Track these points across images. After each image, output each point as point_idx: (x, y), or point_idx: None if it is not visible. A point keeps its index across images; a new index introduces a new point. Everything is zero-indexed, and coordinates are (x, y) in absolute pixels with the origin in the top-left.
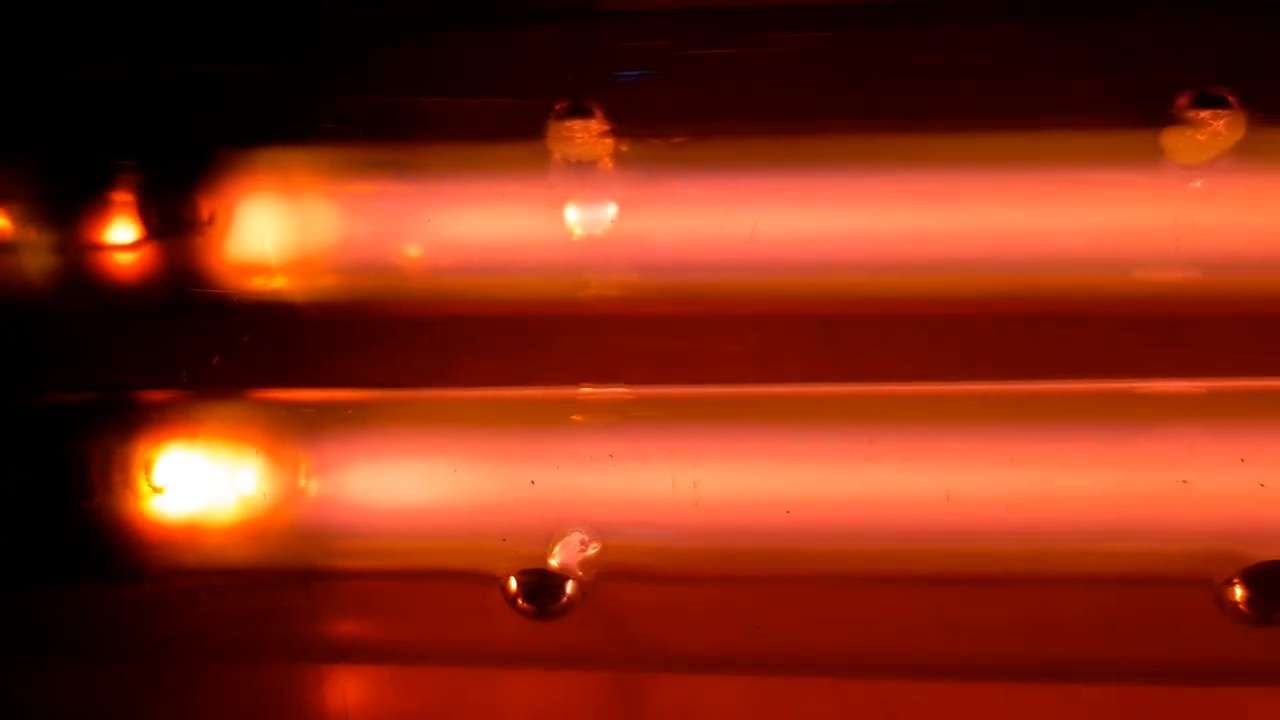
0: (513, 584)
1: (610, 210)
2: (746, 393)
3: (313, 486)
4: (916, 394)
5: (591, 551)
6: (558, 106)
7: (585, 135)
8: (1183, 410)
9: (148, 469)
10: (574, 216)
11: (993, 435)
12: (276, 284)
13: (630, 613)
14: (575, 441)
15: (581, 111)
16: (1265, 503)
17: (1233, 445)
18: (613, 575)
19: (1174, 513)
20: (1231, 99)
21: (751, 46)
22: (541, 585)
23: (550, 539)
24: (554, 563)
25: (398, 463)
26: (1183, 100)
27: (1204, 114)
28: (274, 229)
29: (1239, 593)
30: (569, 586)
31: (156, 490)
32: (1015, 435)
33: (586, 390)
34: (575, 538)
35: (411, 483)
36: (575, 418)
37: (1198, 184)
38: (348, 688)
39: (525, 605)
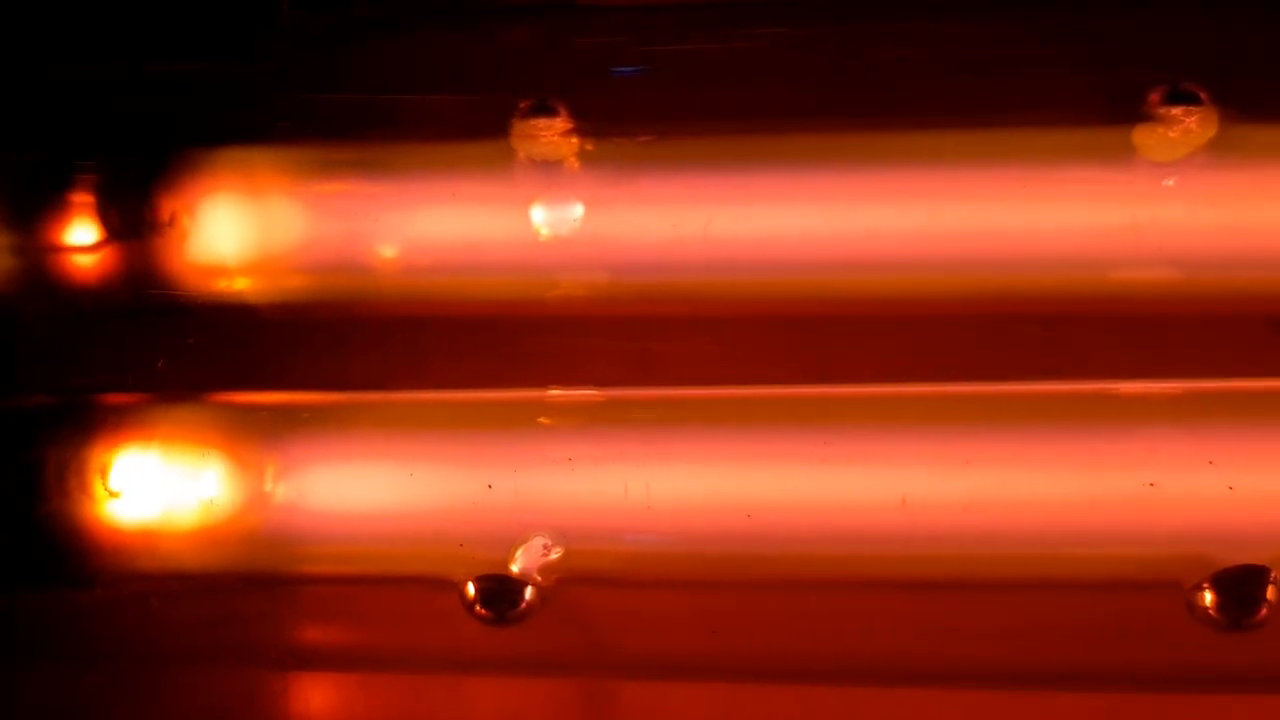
0: (470, 590)
1: (577, 210)
2: (711, 395)
3: (269, 491)
4: (874, 395)
5: (554, 556)
6: (522, 105)
7: (550, 134)
8: (1150, 412)
9: (104, 473)
10: (540, 216)
11: (950, 437)
12: (239, 285)
13: (592, 618)
14: (533, 445)
15: (546, 110)
16: (1234, 506)
17: (1201, 447)
18: (573, 580)
19: (1141, 516)
20: (1203, 95)
21: (717, 43)
22: (500, 591)
23: (507, 543)
24: (515, 568)
25: (355, 467)
26: (1154, 97)
27: (1175, 110)
28: (236, 230)
29: (1209, 598)
30: (528, 592)
31: (113, 494)
32: (972, 437)
33: (554, 392)
34: (538, 542)
35: (368, 487)
36: (541, 420)
37: (1170, 182)
38: (312, 693)
39: (483, 611)
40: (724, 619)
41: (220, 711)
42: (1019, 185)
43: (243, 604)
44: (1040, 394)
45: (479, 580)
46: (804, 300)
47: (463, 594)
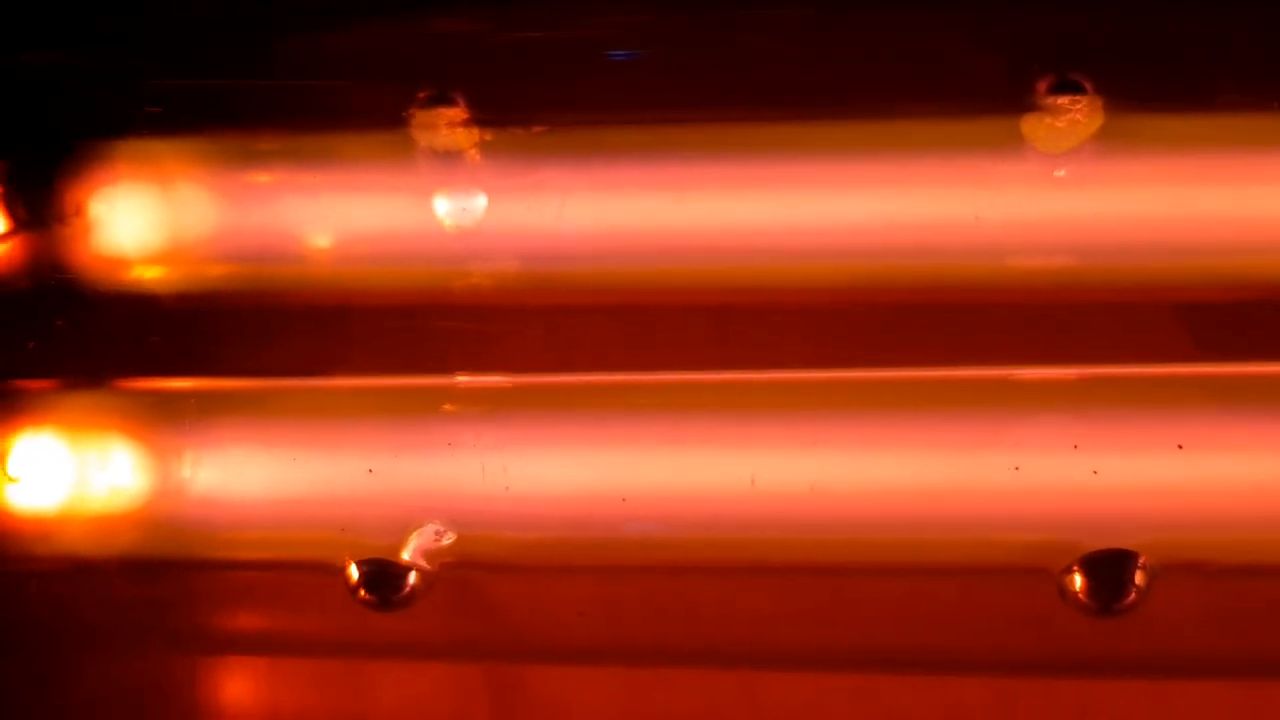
0: (353, 574)
1: (478, 200)
2: (618, 381)
3: (160, 478)
4: (737, 382)
5: (446, 542)
6: (421, 95)
7: (448, 124)
8: (1014, 396)
9: (3, 459)
10: (439, 206)
11: (797, 421)
12: (143, 275)
13: (483, 603)
14: (420, 431)
15: (444, 100)
16: (1099, 491)
17: (1066, 432)
18: (458, 566)
19: (1005, 501)
20: (1087, 85)
21: (610, 31)
22: (382, 575)
23: (390, 529)
24: (406, 554)
25: (243, 453)
26: (1041, 87)
27: (1063, 100)
28: (141, 220)
29: (1079, 582)
30: (411, 577)
31: (10, 480)
32: (819, 421)
33: (462, 379)
34: (430, 528)
35: (255, 474)
36: (446, 407)
37: (1061, 172)
38: (219, 679)
39: (367, 595)
40: (598, 603)
41: (124, 697)
42: (911, 175)
43: (144, 590)
44: (904, 379)
45: (362, 565)
46: (710, 289)
47: (346, 579)
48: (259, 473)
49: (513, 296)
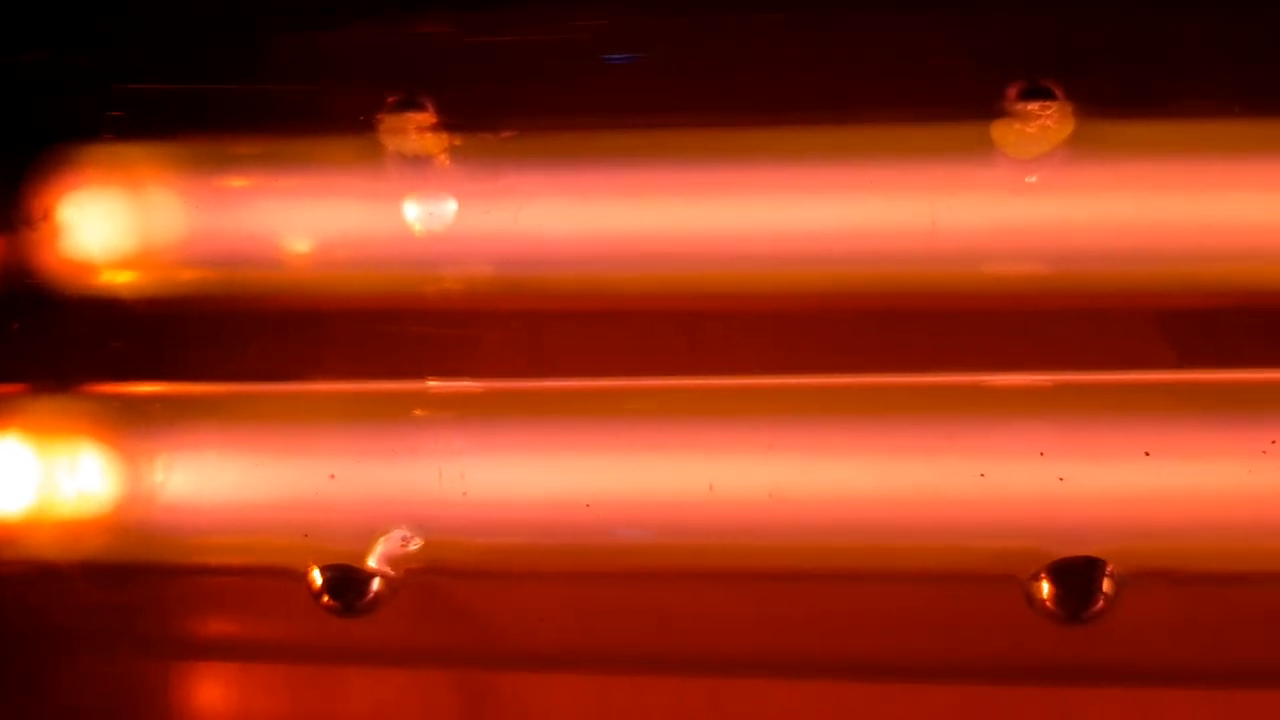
0: (317, 580)
1: (447, 205)
2: (595, 386)
3: (123, 483)
4: (682, 387)
5: (413, 547)
6: (389, 100)
7: (417, 128)
8: (981, 402)
9: None
10: (408, 211)
11: (756, 427)
12: (111, 279)
13: (448, 609)
14: (382, 437)
15: (413, 105)
16: (1064, 498)
17: (1032, 439)
18: (423, 572)
19: (971, 507)
20: (1058, 91)
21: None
22: (345, 581)
23: (353, 534)
24: (372, 559)
25: (207, 459)
26: (1011, 93)
27: (1032, 106)
28: (109, 224)
29: (1046, 589)
30: (375, 583)
31: None
32: (777, 427)
33: (434, 384)
34: (396, 534)
35: (220, 479)
36: (417, 412)
37: (1033, 178)
38: (190, 684)
39: (330, 602)
40: (566, 609)
41: (93, 703)
42: (877, 181)
43: (111, 595)
44: (867, 385)
45: (325, 571)
46: (681, 294)
47: (309, 585)
48: (224, 478)
49: (482, 301)
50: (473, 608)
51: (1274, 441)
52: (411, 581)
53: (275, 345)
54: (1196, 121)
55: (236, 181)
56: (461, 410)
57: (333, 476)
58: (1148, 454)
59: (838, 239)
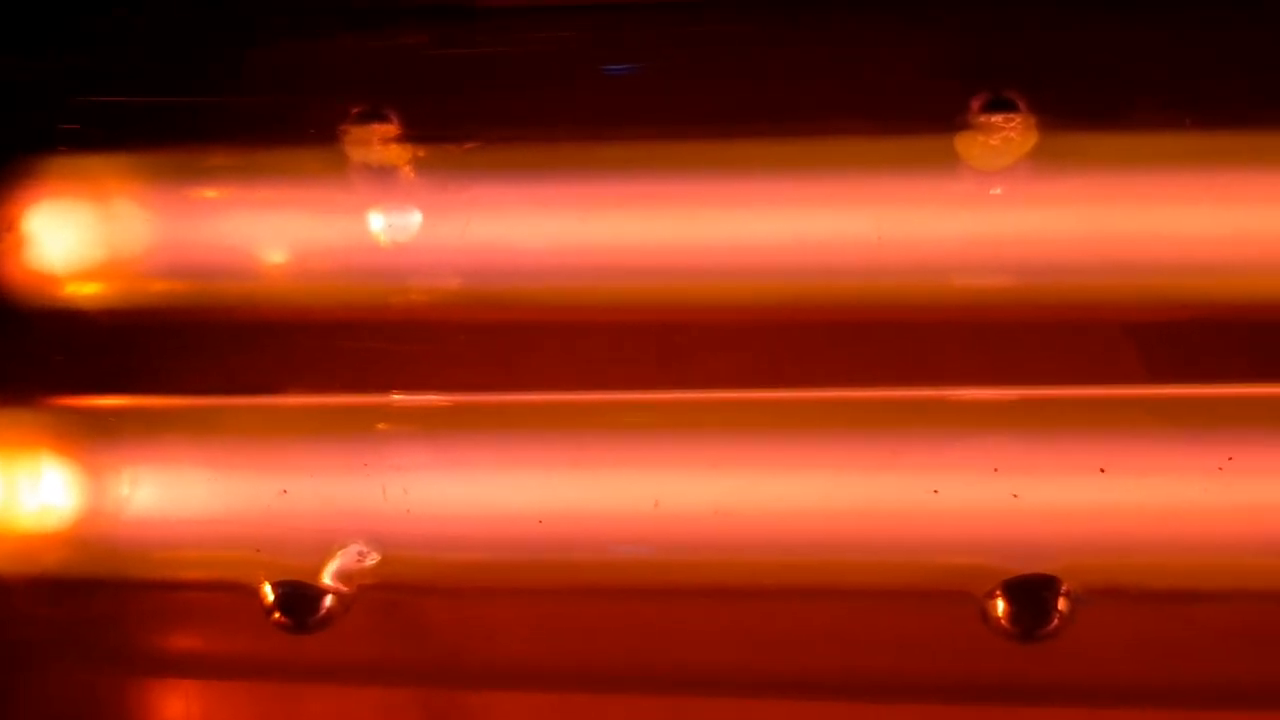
0: (268, 596)
1: (412, 216)
2: (555, 400)
3: (84, 496)
4: (627, 401)
5: (370, 563)
6: (354, 111)
7: (381, 139)
8: (934, 418)
9: None
10: (373, 222)
11: (704, 442)
12: (76, 291)
13: (404, 625)
14: (335, 451)
15: (377, 116)
16: (1018, 514)
17: (986, 455)
18: (378, 588)
19: (923, 523)
20: (1021, 103)
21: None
22: (297, 597)
23: (305, 549)
24: (327, 575)
25: (166, 472)
26: (975, 104)
27: (996, 118)
28: (73, 236)
29: (1001, 607)
30: (328, 599)
31: None
32: (725, 441)
33: (397, 397)
34: (353, 549)
35: (173, 493)
36: (380, 425)
37: (997, 190)
38: (151, 699)
39: (281, 618)
40: (522, 625)
41: (54, 717)
42: (844, 193)
43: (71, 609)
44: (818, 400)
45: (277, 586)
46: (648, 307)
47: (261, 600)
48: (181, 491)
49: (447, 312)
50: (430, 624)
51: (1230, 458)
52: (367, 598)
53: (240, 358)
54: (1160, 134)
55: (200, 193)
56: (423, 424)
57: (285, 491)
58: (1103, 470)
59: (793, 252)
